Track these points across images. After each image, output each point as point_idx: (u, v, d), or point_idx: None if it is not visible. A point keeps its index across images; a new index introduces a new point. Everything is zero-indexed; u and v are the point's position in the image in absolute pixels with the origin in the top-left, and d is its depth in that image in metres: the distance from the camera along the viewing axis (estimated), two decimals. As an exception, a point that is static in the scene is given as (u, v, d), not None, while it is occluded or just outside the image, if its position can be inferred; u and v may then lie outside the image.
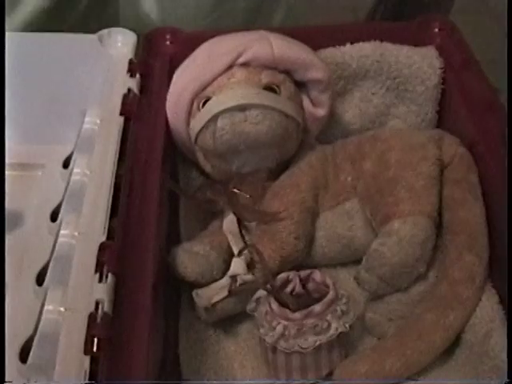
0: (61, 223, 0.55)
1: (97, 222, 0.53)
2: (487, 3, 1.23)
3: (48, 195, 0.66)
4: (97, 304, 0.46)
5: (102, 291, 0.47)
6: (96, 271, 0.48)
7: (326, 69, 0.63)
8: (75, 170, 0.60)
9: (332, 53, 0.68)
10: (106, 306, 0.46)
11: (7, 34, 0.62)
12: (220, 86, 0.60)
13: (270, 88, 0.60)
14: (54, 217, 0.59)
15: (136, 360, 0.45)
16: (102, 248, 0.50)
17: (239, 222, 0.62)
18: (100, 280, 0.48)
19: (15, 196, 0.61)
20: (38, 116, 0.72)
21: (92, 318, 0.45)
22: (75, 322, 0.46)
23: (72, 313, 0.47)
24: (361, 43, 0.69)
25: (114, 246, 0.50)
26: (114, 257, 0.49)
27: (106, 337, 0.44)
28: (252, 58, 0.60)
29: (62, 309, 0.47)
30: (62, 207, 0.57)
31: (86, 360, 0.43)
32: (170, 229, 0.63)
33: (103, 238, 0.51)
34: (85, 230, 0.52)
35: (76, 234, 0.53)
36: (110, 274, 0.48)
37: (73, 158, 0.62)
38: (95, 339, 0.44)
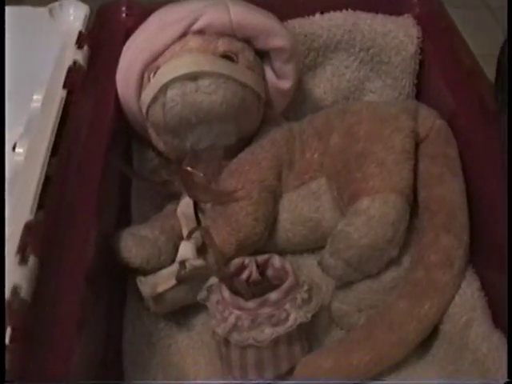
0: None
1: (26, 200, 0.47)
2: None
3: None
4: (14, 289, 0.41)
5: (21, 275, 0.41)
6: (18, 252, 0.43)
7: (290, 36, 0.57)
8: (17, 150, 0.56)
9: (300, 23, 0.63)
10: (24, 292, 0.41)
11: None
12: (172, 55, 0.55)
13: (226, 56, 0.55)
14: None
15: (58, 356, 0.40)
16: (27, 228, 0.44)
17: (196, 204, 0.56)
18: (21, 262, 0.42)
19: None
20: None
21: (7, 305, 0.40)
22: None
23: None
24: (331, 12, 0.64)
25: (40, 225, 0.44)
26: (38, 237, 0.44)
27: (22, 327, 0.39)
28: (207, 24, 0.55)
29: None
30: (6, 189, 0.53)
31: (-2, 352, 0.38)
32: (121, 213, 0.58)
33: (30, 217, 0.45)
34: (13, 209, 0.47)
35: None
36: (32, 257, 0.42)
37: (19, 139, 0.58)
38: (8, 329, 0.38)
